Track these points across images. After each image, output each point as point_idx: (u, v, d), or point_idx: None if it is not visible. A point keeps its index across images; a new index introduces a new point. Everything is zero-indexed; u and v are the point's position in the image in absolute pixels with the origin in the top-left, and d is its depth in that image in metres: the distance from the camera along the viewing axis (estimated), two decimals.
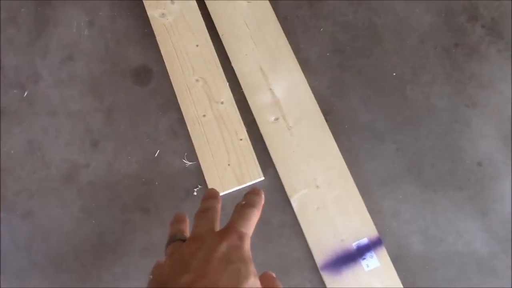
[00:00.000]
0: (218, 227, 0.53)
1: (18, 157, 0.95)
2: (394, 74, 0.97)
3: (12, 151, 0.95)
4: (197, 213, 0.55)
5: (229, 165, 0.91)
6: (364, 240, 0.86)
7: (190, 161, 0.93)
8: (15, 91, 0.99)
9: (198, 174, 0.92)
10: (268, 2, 1.01)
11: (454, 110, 0.93)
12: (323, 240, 0.86)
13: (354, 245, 0.86)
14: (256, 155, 0.91)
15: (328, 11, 1.02)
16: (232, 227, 0.51)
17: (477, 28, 0.99)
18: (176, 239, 0.53)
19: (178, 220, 0.59)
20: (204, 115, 0.94)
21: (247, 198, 0.56)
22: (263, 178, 0.90)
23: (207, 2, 1.02)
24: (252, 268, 0.48)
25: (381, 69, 0.97)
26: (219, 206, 0.57)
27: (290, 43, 0.98)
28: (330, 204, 0.88)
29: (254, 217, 0.53)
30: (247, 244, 0.50)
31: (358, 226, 0.87)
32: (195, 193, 0.91)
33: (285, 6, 1.02)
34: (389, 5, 1.01)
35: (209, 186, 0.90)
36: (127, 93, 0.98)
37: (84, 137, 0.96)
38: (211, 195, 0.59)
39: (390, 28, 1.00)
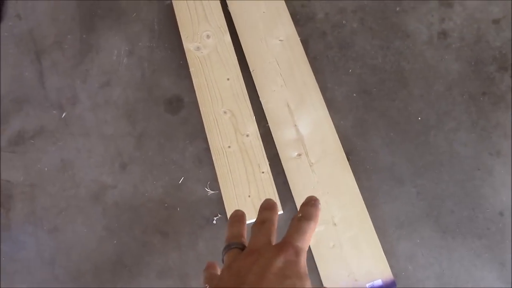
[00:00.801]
0: (275, 239, 0.54)
1: (50, 175, 1.00)
2: (419, 118, 0.98)
3: (46, 169, 1.00)
4: (255, 224, 0.56)
5: (249, 196, 0.93)
6: (378, 282, 0.86)
7: (212, 190, 0.96)
8: (54, 111, 1.05)
9: (219, 203, 0.94)
10: (299, 41, 1.05)
11: (478, 158, 0.94)
12: (336, 278, 0.87)
13: (367, 285, 0.86)
14: (277, 188, 0.93)
15: (357, 54, 1.05)
16: (288, 242, 0.51)
17: (505, 78, 0.99)
18: (233, 247, 0.54)
19: (236, 221, 0.58)
20: (229, 146, 0.97)
21: (303, 210, 0.55)
22: (281, 212, 0.92)
23: (241, 39, 1.06)
24: (308, 284, 0.49)
25: (406, 113, 0.98)
26: (276, 217, 0.58)
27: (318, 82, 1.01)
28: (346, 243, 0.89)
29: (311, 230, 0.54)
30: (303, 259, 0.52)
31: (373, 267, 0.87)
32: (214, 222, 0.93)
33: (316, 47, 1.06)
34: (418, 51, 1.03)
35: (228, 216, 0.92)
36: (158, 120, 1.03)
37: (114, 159, 1.00)
38: (269, 206, 0.58)
39: (418, 73, 1.02)
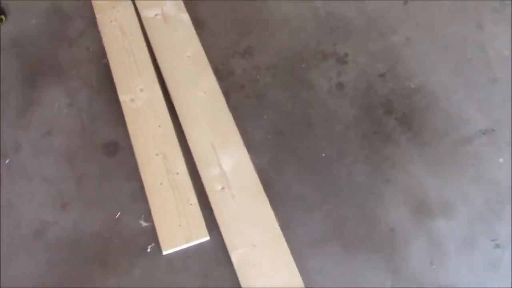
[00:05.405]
0: None
1: None
2: (323, 155, 1.16)
3: None
4: None
5: (180, 226, 1.06)
6: None
7: (146, 222, 1.08)
8: None
9: (153, 234, 1.06)
10: (221, 93, 1.22)
11: (372, 185, 1.12)
12: None
13: None
14: (204, 218, 1.07)
15: (271, 103, 1.23)
16: None
17: (391, 120, 1.20)
18: None
19: None
20: (161, 183, 1.10)
21: None
22: (208, 238, 1.05)
23: (170, 92, 1.22)
24: None
25: (313, 151, 1.16)
26: None
27: (238, 126, 1.18)
28: (265, 261, 1.03)
29: None
30: None
31: (288, 279, 1.01)
32: (148, 250, 1.05)
33: (236, 97, 1.23)
34: (321, 100, 1.23)
35: (161, 244, 1.04)
36: (97, 163, 1.14)
37: (55, 199, 1.10)
38: None
39: (321, 117, 1.21)
